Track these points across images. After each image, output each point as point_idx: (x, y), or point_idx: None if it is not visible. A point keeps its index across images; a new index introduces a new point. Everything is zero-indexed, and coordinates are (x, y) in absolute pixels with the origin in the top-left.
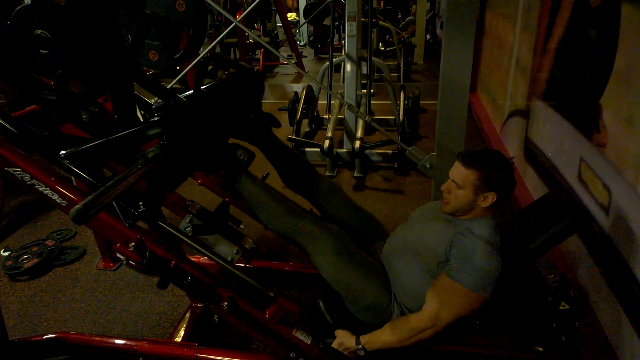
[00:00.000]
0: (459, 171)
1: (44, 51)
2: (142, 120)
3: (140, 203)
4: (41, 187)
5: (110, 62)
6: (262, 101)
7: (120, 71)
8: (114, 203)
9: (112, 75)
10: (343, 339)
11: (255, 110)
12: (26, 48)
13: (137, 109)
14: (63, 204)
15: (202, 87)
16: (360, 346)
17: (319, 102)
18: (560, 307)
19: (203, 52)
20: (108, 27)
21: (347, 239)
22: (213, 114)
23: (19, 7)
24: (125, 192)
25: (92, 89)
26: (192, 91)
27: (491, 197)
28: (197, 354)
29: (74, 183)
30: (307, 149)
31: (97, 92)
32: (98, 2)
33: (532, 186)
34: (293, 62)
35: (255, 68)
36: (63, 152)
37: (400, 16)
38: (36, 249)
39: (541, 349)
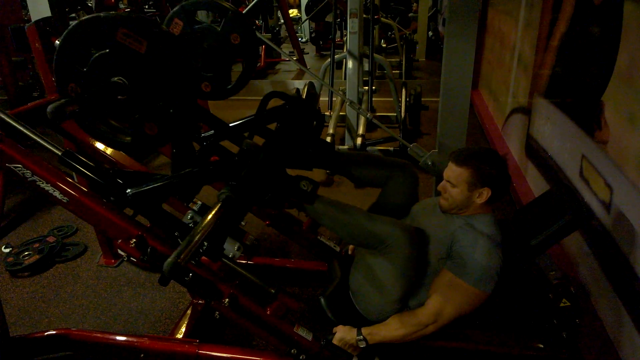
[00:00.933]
0: (452, 170)
1: (121, 97)
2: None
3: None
4: (42, 183)
5: (186, 105)
6: None
7: (190, 111)
8: (180, 241)
9: (185, 116)
10: (344, 334)
11: (314, 143)
12: (104, 94)
13: None
14: (64, 201)
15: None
16: (361, 337)
17: (321, 98)
18: (561, 304)
19: None
20: (184, 72)
21: (418, 244)
22: (280, 153)
23: (96, 54)
24: (203, 237)
25: (167, 131)
26: (243, 120)
27: (486, 193)
28: (199, 350)
29: (75, 180)
30: None
31: (172, 133)
32: (177, 49)
33: (534, 183)
34: (295, 58)
35: (257, 64)
36: (130, 190)
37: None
38: (37, 245)
39: (542, 346)
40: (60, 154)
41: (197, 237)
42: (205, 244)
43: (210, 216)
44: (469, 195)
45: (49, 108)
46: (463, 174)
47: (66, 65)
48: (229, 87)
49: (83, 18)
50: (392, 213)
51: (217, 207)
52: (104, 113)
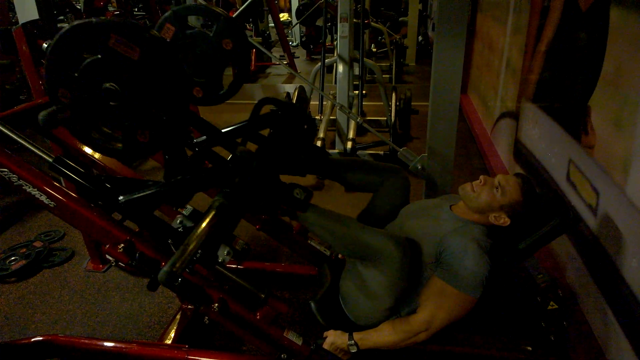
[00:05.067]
0: (512, 182)
1: (113, 103)
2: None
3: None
4: (29, 187)
5: (179, 112)
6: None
7: (183, 118)
8: (172, 247)
9: (178, 123)
10: (334, 339)
11: (307, 149)
12: (96, 101)
13: None
14: (51, 205)
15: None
16: (352, 342)
17: (311, 102)
18: (549, 307)
19: None
20: (178, 79)
21: (410, 256)
22: (273, 160)
23: (88, 60)
24: (197, 245)
25: (160, 138)
26: (235, 125)
27: (503, 220)
28: (188, 356)
29: (63, 185)
30: None
31: (165, 140)
32: (170, 55)
33: None
34: (285, 62)
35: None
36: (122, 197)
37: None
38: (24, 250)
39: (530, 348)
40: (50, 160)
41: (192, 245)
42: (199, 251)
43: (204, 224)
44: (494, 208)
45: (41, 115)
46: (515, 193)
47: (57, 70)
48: (221, 92)
49: (75, 23)
50: (383, 217)
51: (211, 214)
52: (96, 120)
